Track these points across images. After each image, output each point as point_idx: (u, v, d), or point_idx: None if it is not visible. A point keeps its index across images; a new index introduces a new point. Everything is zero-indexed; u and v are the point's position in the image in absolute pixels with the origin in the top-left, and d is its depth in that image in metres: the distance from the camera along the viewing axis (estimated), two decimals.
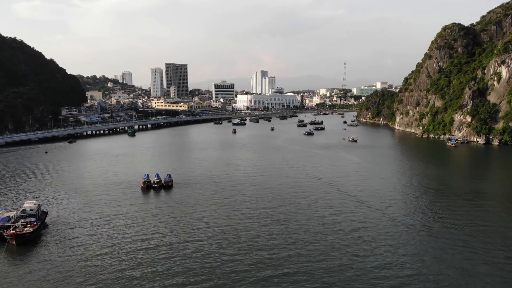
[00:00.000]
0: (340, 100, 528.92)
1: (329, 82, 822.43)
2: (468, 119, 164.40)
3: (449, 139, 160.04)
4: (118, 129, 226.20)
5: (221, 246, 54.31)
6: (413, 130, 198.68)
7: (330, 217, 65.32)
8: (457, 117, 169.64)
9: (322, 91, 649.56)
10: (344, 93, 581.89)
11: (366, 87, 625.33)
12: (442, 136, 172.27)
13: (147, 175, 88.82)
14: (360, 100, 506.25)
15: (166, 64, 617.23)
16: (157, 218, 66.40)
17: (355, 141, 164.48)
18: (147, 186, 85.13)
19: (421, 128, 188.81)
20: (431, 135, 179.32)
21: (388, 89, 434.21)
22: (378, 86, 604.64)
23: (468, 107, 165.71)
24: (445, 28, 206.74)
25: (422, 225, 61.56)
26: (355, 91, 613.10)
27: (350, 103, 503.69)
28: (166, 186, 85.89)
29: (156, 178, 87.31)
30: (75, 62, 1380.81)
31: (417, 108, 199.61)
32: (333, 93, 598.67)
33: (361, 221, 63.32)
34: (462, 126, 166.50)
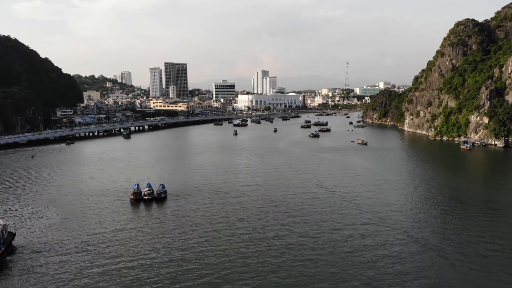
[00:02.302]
0: (343, 100, 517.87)
1: (330, 82, 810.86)
2: (485, 120, 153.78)
3: (465, 142, 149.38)
4: (113, 131, 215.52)
5: (220, 277, 43.90)
6: (424, 132, 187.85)
7: (349, 242, 54.74)
8: (473, 118, 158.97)
9: (324, 91, 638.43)
10: (347, 93, 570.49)
11: (369, 87, 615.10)
12: (457, 139, 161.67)
13: (138, 185, 78.17)
14: (363, 100, 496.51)
15: (166, 63, 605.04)
16: (145, 240, 55.83)
17: (365, 143, 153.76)
18: (137, 199, 74.45)
19: (433, 129, 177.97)
20: (445, 138, 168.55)
21: (391, 89, 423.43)
22: (381, 86, 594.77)
23: (485, 107, 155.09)
24: (458, 24, 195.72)
25: (456, 253, 51.18)
26: (357, 91, 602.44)
27: (353, 103, 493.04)
28: (159, 198, 75.15)
29: (147, 189, 76.61)
30: (74, 62, 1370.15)
31: (429, 108, 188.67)
32: (336, 93, 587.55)
33: (390, 253, 52.80)
34: (479, 128, 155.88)
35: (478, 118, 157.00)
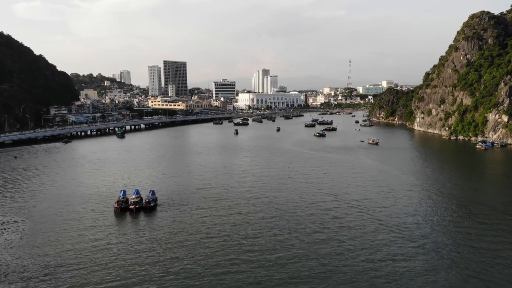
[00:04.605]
0: (346, 99, 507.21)
1: (330, 82, 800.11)
2: (505, 118, 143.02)
3: (484, 142, 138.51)
4: (107, 130, 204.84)
5: None
6: (436, 131, 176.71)
7: (376, 264, 43.99)
8: (491, 116, 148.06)
9: (326, 90, 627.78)
10: (350, 92, 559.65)
11: (371, 86, 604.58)
12: (473, 138, 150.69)
13: (124, 191, 67.40)
14: (366, 99, 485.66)
15: (165, 61, 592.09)
16: (127, 260, 45.03)
17: (376, 143, 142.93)
18: (122, 208, 63.61)
19: (447, 129, 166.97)
20: (460, 137, 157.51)
21: (394, 88, 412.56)
22: (384, 85, 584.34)
23: (504, 105, 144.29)
24: (473, 17, 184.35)
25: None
26: (360, 90, 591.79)
27: (356, 102, 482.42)
28: (148, 207, 64.32)
29: (135, 196, 65.84)
30: (74, 62, 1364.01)
31: (442, 106, 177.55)
32: (338, 92, 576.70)
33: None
34: (497, 127, 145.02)
35: (497, 116, 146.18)
